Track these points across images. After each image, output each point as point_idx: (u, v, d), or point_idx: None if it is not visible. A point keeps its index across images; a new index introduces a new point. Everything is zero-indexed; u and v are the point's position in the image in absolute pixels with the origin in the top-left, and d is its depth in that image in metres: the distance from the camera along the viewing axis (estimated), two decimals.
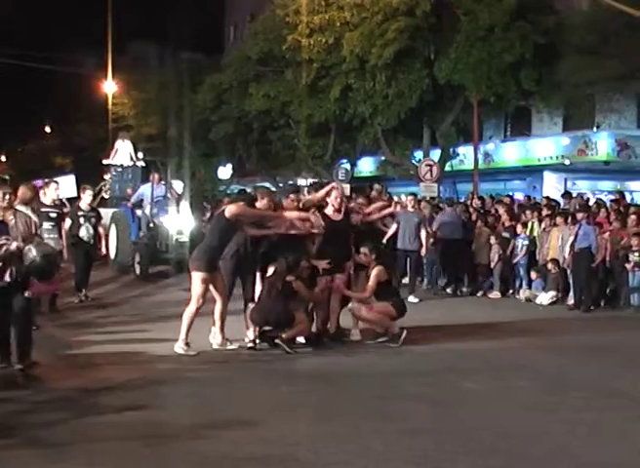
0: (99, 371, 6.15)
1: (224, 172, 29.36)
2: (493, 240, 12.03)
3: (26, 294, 5.81)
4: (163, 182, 14.32)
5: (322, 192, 7.87)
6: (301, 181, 15.75)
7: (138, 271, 12.96)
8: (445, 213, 12.71)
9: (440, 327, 8.80)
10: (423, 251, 11.27)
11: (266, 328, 7.16)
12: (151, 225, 13.34)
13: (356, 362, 6.89)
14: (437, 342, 7.74)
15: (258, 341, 7.11)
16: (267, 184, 27.53)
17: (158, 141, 25.93)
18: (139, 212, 13.91)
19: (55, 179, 10.55)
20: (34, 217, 6.21)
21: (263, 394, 5.63)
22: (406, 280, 13.05)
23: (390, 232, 11.11)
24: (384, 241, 10.90)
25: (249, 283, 7.33)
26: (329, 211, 7.67)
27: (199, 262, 6.86)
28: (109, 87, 29.72)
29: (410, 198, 11.60)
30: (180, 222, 13.11)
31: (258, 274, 7.36)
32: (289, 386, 5.85)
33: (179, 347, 6.83)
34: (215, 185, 27.76)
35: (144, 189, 14.12)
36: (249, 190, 12.94)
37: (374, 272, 7.54)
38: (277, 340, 6.90)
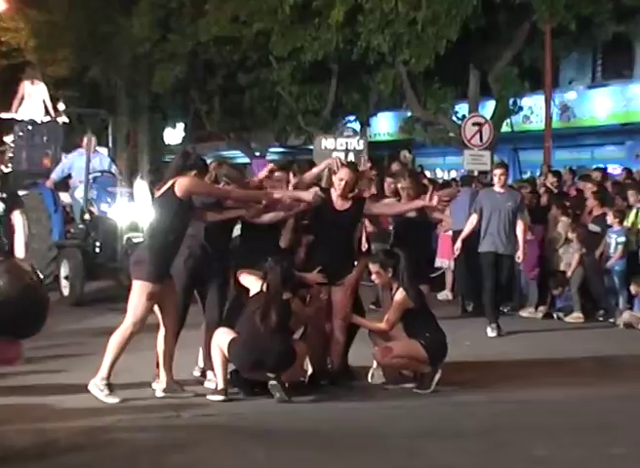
0: None
1: (174, 134, 29.36)
2: (571, 234, 12.09)
3: None
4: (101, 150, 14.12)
5: (315, 170, 8.05)
6: (327, 143, 15.01)
7: (65, 290, 12.58)
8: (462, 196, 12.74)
9: (494, 364, 8.79)
10: (520, 254, 10.87)
11: (236, 370, 7.23)
12: (87, 217, 12.89)
13: (367, 416, 6.92)
14: (489, 387, 7.74)
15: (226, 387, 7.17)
16: (237, 153, 27.60)
17: (73, 88, 25.87)
18: (64, 196, 13.65)
19: None
20: None
21: (232, 464, 5.65)
22: (443, 294, 13.22)
23: (469, 227, 11.03)
24: (459, 242, 11.00)
25: (213, 298, 7.46)
26: (333, 195, 7.78)
27: (144, 267, 6.95)
28: None
29: (499, 172, 11.14)
30: (133, 213, 12.52)
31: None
32: (269, 452, 5.90)
33: (94, 386, 6.94)
34: (160, 154, 27.96)
35: (74, 160, 13.81)
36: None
37: (396, 298, 7.68)
38: (273, 383, 7.02)
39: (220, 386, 7.08)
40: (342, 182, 7.69)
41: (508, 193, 11.20)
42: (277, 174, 7.87)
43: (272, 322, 6.97)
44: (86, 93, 25.59)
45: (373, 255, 8.06)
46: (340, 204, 7.76)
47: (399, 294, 7.64)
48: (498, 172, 11.22)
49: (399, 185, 8.77)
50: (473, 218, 11.01)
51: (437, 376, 7.56)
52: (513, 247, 10.85)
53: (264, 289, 7.07)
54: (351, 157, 14.09)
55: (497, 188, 11.14)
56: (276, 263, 7.06)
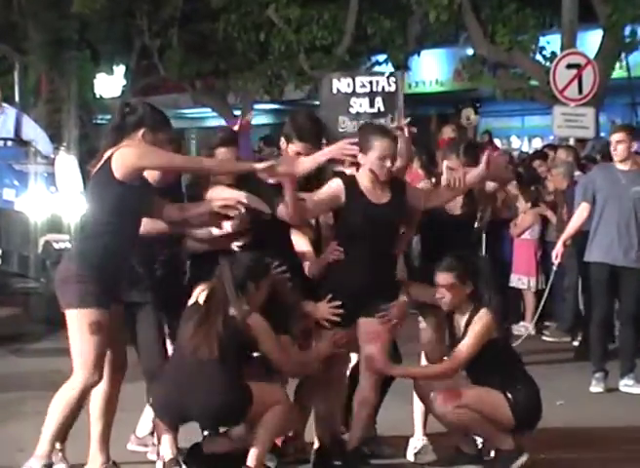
0: None
1: (111, 82, 28.84)
2: None
3: None
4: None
5: (310, 161, 7.25)
6: (341, 84, 13.94)
7: None
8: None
9: (596, 436, 8.24)
10: None
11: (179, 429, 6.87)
12: None
13: None
14: None
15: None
16: (205, 111, 26.34)
17: None
18: None
19: None
20: None
21: None
22: (521, 327, 12.93)
23: (575, 222, 10.49)
24: (560, 245, 10.61)
25: (146, 332, 7.12)
26: (364, 181, 7.28)
27: (76, 286, 6.54)
28: None
29: (620, 137, 10.07)
30: (55, 205, 12.25)
31: None
32: None
33: None
34: (89, 112, 27.60)
35: None
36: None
37: (477, 322, 7.19)
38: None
39: (168, 456, 6.69)
40: (387, 160, 7.21)
41: (637, 172, 10.39)
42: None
43: (207, 346, 6.55)
44: None
45: (441, 263, 7.46)
46: (377, 195, 7.32)
47: (483, 316, 7.19)
48: (617, 137, 10.24)
49: (446, 163, 8.08)
50: (583, 209, 10.32)
51: (523, 459, 6.97)
52: None
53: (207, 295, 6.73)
54: (380, 104, 13.01)
55: (618, 164, 10.26)
56: (228, 263, 6.70)
